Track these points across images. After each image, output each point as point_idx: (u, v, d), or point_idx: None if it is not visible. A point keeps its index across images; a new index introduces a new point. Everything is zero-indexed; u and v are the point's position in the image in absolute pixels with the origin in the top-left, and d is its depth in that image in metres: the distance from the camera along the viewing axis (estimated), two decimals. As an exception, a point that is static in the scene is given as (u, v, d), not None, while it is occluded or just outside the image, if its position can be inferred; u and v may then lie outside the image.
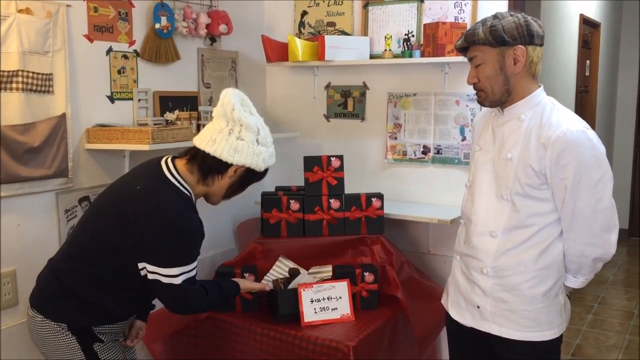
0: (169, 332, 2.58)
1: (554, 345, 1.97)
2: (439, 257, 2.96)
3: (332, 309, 2.44)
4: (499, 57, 1.84)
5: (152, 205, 1.78)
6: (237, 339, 2.46)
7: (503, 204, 1.91)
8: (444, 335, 2.57)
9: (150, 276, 1.80)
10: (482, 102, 1.95)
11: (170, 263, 1.78)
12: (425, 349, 2.69)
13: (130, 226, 1.77)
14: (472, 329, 2.02)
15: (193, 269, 1.86)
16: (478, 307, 1.99)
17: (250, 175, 1.94)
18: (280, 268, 2.62)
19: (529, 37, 1.83)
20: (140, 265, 1.80)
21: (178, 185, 1.84)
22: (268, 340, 2.39)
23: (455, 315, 2.09)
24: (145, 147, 2.28)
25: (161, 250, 1.78)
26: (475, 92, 1.96)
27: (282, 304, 2.42)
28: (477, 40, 1.84)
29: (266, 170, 1.97)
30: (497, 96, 1.89)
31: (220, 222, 3.11)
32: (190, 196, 1.87)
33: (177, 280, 1.80)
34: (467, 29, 1.92)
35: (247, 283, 2.21)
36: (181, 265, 1.80)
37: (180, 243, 1.79)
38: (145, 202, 1.78)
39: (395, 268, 2.64)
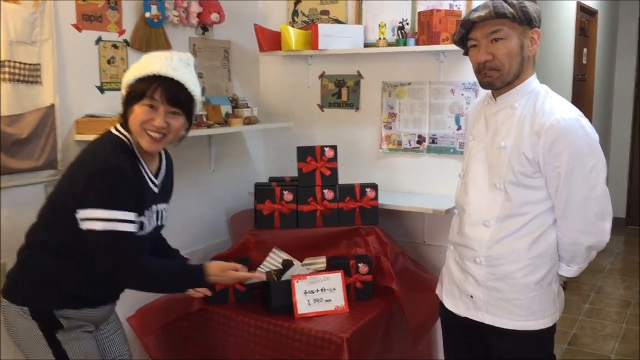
0: (161, 325, 2.56)
1: (547, 334, 1.95)
2: (435, 248, 2.94)
3: (326, 301, 2.43)
4: (521, 36, 1.82)
5: (84, 150, 1.81)
6: (230, 331, 2.44)
7: (496, 193, 1.89)
8: (439, 325, 2.56)
9: (82, 226, 1.69)
10: (491, 83, 1.87)
11: (92, 203, 1.67)
12: (420, 340, 2.67)
13: (69, 176, 1.78)
14: (466, 319, 2.01)
15: (124, 221, 1.69)
16: (471, 296, 1.98)
17: (131, 92, 1.77)
18: (274, 259, 2.60)
19: (539, 22, 1.83)
20: (77, 216, 1.70)
21: (113, 130, 1.82)
22: (261, 332, 2.37)
23: (449, 305, 2.08)
24: (135, 138, 2.24)
25: (85, 189, 1.68)
26: (481, 73, 1.87)
27: (275, 295, 2.40)
28: (508, 14, 1.79)
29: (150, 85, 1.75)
30: (510, 77, 1.84)
31: (214, 213, 3.09)
32: (126, 141, 1.79)
33: (98, 225, 1.67)
34: (483, 4, 1.85)
35: (231, 273, 1.90)
36: (104, 208, 1.67)
37: (101, 179, 1.68)
38: (81, 151, 1.83)
39: (390, 259, 2.62)
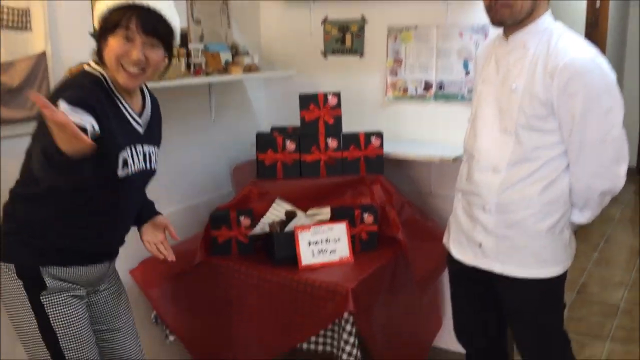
0: (165, 277, 2.53)
1: (558, 282, 1.91)
2: (442, 197, 2.87)
3: (331, 252, 2.38)
4: None
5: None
6: (233, 282, 2.41)
7: (507, 137, 1.81)
8: (445, 276, 2.51)
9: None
10: (502, 20, 1.78)
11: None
12: (426, 290, 2.64)
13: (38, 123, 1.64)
14: (473, 268, 1.96)
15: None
16: (480, 245, 1.93)
17: (104, 24, 1.64)
18: (277, 210, 2.55)
19: None
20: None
21: (87, 67, 1.70)
22: (265, 284, 2.33)
23: (456, 254, 2.03)
24: (130, 86, 2.16)
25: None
26: (492, 10, 1.78)
27: (279, 247, 2.36)
28: None
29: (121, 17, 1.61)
30: (523, 14, 1.75)
31: (216, 165, 3.02)
32: (101, 77, 1.68)
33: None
34: None
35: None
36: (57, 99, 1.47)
37: (58, 94, 1.55)
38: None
39: (396, 209, 2.56)
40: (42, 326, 1.68)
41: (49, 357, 1.70)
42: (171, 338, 2.57)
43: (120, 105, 1.71)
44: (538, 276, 1.85)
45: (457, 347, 2.37)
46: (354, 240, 2.46)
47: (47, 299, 1.68)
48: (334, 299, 2.19)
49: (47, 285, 1.68)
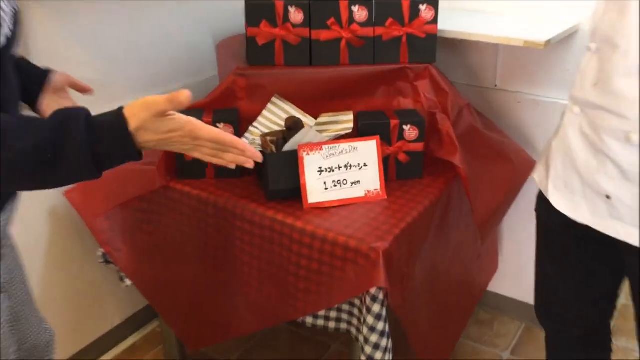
0: (114, 204, 1.76)
1: None
2: (510, 95, 2.02)
3: (353, 183, 1.57)
4: None
5: None
6: (207, 222, 1.63)
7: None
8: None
9: None
10: None
11: None
12: (488, 236, 1.86)
13: None
14: (587, 228, 1.20)
15: None
16: (608, 196, 1.15)
17: None
18: (274, 115, 1.71)
19: None
20: None
21: None
22: (250, 228, 1.55)
23: (561, 204, 1.26)
24: None
25: None
26: None
27: (274, 174, 1.55)
28: None
29: None
30: None
31: (198, 37, 2.16)
32: None
33: None
34: None
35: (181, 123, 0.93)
36: None
37: None
38: None
39: (451, 117, 1.71)
40: None
41: None
42: (127, 282, 1.85)
43: None
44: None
45: (513, 292, 1.67)
46: (387, 164, 1.65)
47: None
48: (355, 262, 1.41)
49: None
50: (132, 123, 0.88)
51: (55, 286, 1.91)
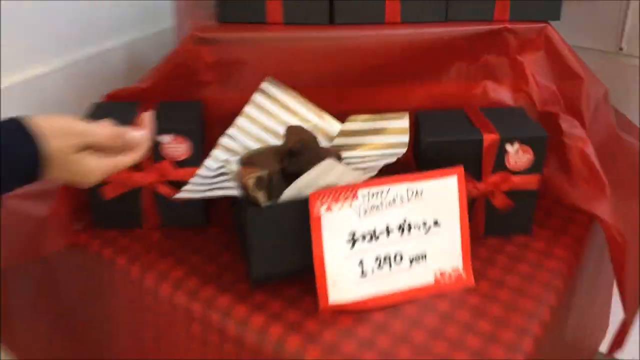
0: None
1: None
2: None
3: (413, 260, 0.82)
4: None
5: None
6: (144, 304, 0.90)
7: None
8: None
9: None
10: None
11: None
12: (633, 317, 1.12)
13: None
14: None
15: None
16: None
17: None
18: (266, 115, 0.94)
19: None
20: None
21: None
22: (214, 339, 0.82)
23: None
24: None
25: None
26: None
27: (263, 245, 0.80)
28: None
29: None
30: None
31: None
32: None
33: None
34: None
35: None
36: None
37: None
38: None
39: (587, 121, 0.95)
40: None
41: None
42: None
43: None
44: None
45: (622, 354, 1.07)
46: (470, 212, 0.90)
47: None
48: None
49: None
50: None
51: None
